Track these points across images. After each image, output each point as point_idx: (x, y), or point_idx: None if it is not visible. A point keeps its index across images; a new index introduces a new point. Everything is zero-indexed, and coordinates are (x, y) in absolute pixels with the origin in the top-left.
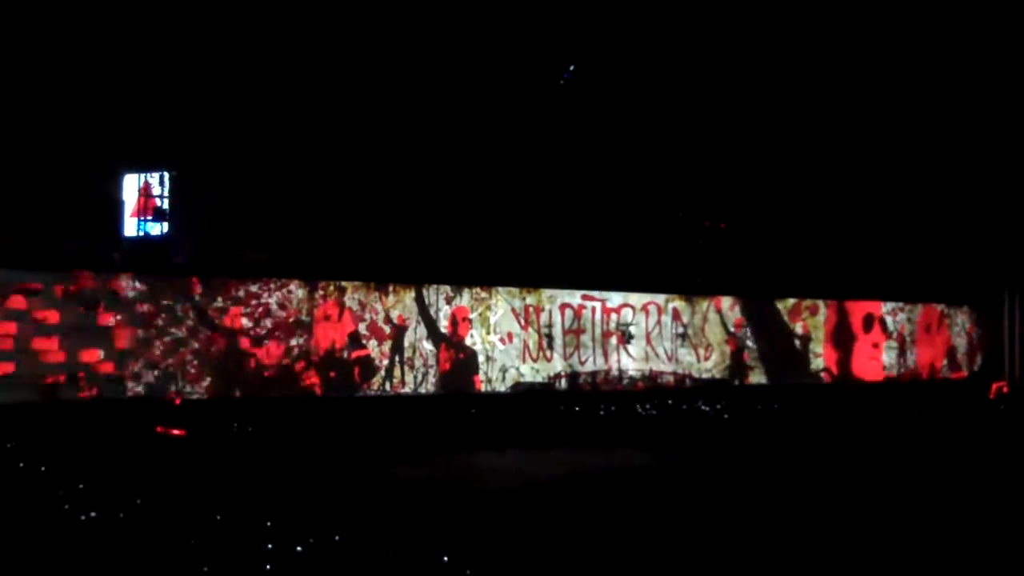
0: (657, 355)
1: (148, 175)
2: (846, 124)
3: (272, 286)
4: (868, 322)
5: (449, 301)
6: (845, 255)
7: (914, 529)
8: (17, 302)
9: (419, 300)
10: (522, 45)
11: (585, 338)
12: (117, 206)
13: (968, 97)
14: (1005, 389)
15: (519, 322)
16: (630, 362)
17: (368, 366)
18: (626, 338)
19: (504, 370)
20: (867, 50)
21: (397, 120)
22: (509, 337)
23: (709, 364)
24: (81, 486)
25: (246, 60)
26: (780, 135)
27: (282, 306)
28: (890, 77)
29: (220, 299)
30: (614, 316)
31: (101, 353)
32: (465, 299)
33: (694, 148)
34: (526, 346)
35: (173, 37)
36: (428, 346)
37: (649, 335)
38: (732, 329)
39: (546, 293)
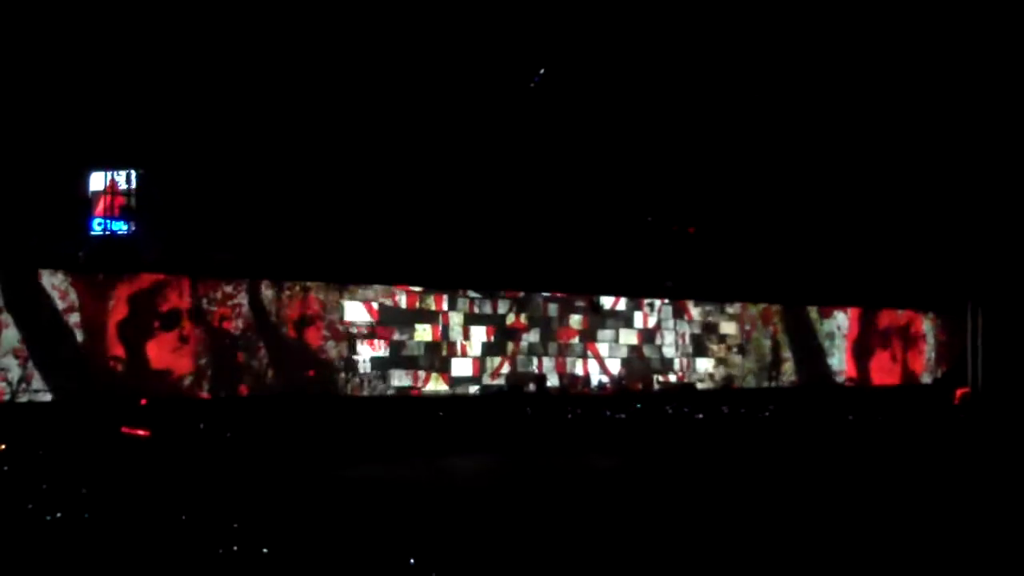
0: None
1: (115, 173)
2: (818, 133)
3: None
4: (837, 327)
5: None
6: (816, 261)
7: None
8: None
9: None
10: (493, 51)
11: (552, 342)
12: (83, 204)
13: (938, 115)
14: (968, 395)
15: (486, 325)
16: (598, 365)
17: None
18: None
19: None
20: (836, 63)
21: (368, 122)
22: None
23: (676, 367)
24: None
25: (216, 59)
26: (751, 143)
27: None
28: (860, 90)
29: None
30: (582, 318)
31: None
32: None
33: (663, 153)
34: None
35: (141, 35)
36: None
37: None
38: (700, 332)
39: (513, 296)
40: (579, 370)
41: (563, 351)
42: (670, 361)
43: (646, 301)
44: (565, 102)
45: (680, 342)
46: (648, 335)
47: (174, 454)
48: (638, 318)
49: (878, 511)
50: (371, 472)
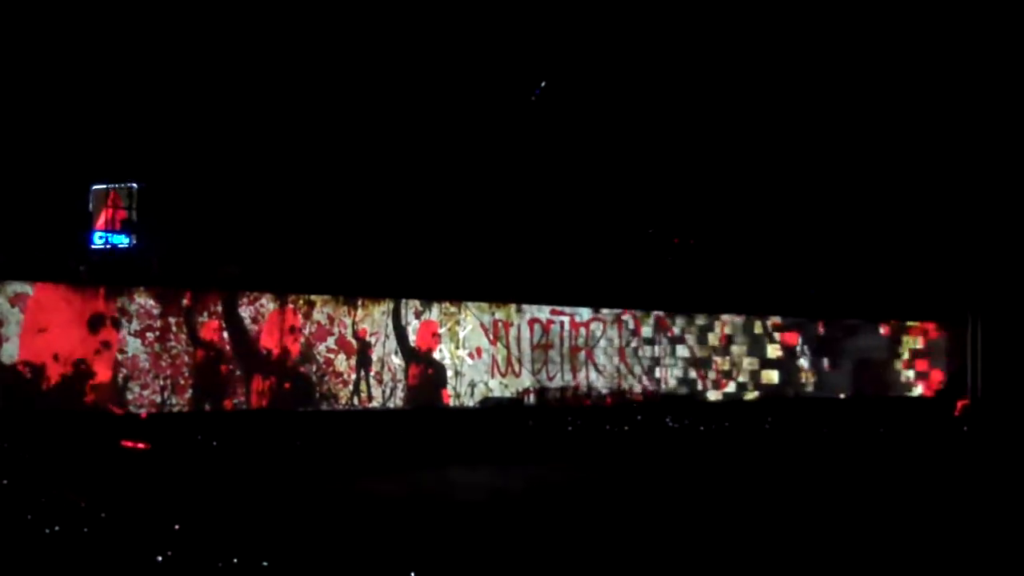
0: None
1: (116, 187)
2: (820, 146)
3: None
4: (833, 339)
5: (418, 315)
6: (816, 274)
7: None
8: None
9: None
10: (494, 62)
11: (553, 353)
12: (84, 218)
13: (939, 127)
14: (969, 407)
15: (488, 337)
16: (599, 377)
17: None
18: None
19: (472, 385)
20: (838, 77)
21: (369, 135)
22: (478, 352)
23: (676, 380)
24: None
25: (219, 72)
26: (752, 155)
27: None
28: (862, 103)
29: None
30: (583, 331)
31: None
32: (434, 314)
33: (664, 165)
34: (495, 361)
35: (143, 48)
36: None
37: (623, 350)
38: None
39: (515, 308)
40: (580, 381)
41: (563, 362)
42: (670, 372)
43: (653, 313)
44: (566, 115)
45: (686, 354)
46: (648, 347)
47: (173, 467)
48: (641, 330)
49: (881, 524)
50: (375, 486)
